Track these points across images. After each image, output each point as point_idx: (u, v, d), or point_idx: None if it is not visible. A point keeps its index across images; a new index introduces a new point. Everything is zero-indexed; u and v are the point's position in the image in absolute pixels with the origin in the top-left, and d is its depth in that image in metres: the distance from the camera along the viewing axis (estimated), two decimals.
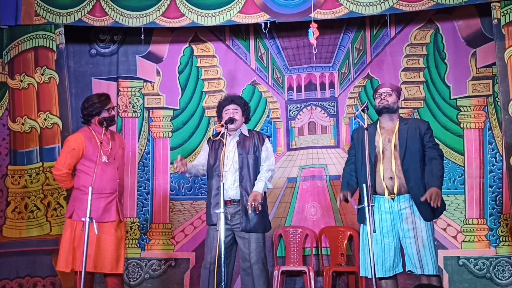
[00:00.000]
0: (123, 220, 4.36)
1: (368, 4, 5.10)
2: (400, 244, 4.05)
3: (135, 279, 5.60)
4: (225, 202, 4.12)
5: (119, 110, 5.71)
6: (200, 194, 5.66)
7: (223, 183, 4.04)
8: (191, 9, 5.34)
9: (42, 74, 5.48)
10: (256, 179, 4.36)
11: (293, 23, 5.34)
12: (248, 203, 4.23)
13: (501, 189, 5.24)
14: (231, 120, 4.34)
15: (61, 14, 5.44)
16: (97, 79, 5.81)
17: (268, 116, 5.77)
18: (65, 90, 5.45)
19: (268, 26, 5.29)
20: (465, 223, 5.31)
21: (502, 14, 4.98)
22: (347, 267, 5.30)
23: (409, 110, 5.50)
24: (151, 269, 5.62)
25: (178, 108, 5.81)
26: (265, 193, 4.39)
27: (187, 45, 5.86)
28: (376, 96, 4.21)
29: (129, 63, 5.82)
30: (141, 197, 5.71)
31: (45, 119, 5.44)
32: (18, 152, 5.47)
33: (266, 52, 5.81)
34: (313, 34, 4.66)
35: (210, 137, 4.62)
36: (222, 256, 3.91)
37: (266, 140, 4.52)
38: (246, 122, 4.56)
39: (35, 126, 5.46)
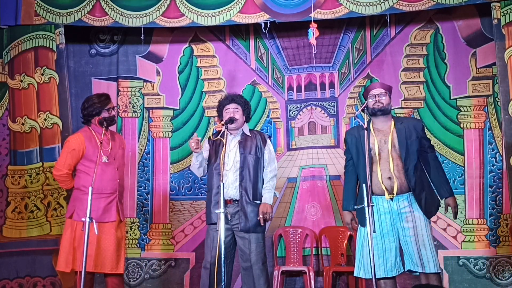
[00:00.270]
0: (123, 220, 4.36)
1: (368, 4, 5.10)
2: (399, 244, 4.05)
3: (135, 279, 5.60)
4: (225, 202, 4.12)
5: (119, 110, 5.71)
6: (200, 194, 5.67)
7: (223, 183, 4.04)
8: (191, 9, 5.34)
9: (42, 74, 5.48)
10: (256, 180, 4.36)
11: (293, 23, 5.34)
12: (260, 216, 4.28)
13: (501, 189, 5.24)
14: (231, 120, 4.34)
15: (61, 14, 5.44)
16: (97, 79, 5.82)
17: (268, 116, 5.77)
18: (65, 90, 5.45)
19: (268, 26, 5.28)
20: (465, 223, 5.31)
21: (502, 14, 4.98)
22: (347, 267, 5.29)
23: (409, 110, 5.50)
24: (151, 269, 5.62)
25: (178, 108, 5.81)
26: None
27: (187, 45, 5.86)
28: (369, 97, 4.13)
29: (129, 63, 5.82)
30: (141, 197, 5.71)
31: (45, 119, 5.44)
32: (18, 152, 5.47)
33: (266, 52, 5.81)
34: (313, 34, 4.66)
35: (210, 136, 4.61)
36: (222, 256, 3.90)
37: (268, 141, 4.52)
38: (247, 121, 4.55)
39: (35, 126, 5.46)
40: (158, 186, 5.72)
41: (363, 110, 4.02)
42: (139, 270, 5.62)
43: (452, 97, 5.46)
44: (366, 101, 4.14)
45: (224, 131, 4.22)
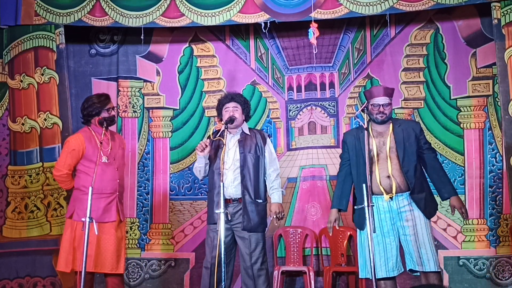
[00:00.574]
0: (123, 220, 4.36)
1: (368, 4, 5.10)
2: (400, 243, 4.06)
3: (135, 279, 5.60)
4: (226, 201, 4.13)
5: (119, 110, 5.71)
6: (200, 194, 5.67)
7: (223, 183, 4.04)
8: (191, 9, 5.34)
9: (42, 74, 5.48)
10: (257, 178, 4.35)
11: (293, 23, 5.34)
12: (273, 216, 4.35)
13: (501, 189, 5.24)
14: (231, 120, 4.34)
15: (61, 14, 5.44)
16: (97, 79, 5.81)
17: (268, 116, 5.77)
18: (65, 90, 5.45)
19: (268, 26, 5.28)
20: (465, 223, 5.31)
21: (502, 14, 4.98)
22: (347, 267, 5.30)
23: (409, 110, 5.50)
24: (151, 269, 5.62)
25: (178, 108, 5.81)
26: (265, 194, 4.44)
27: (187, 45, 5.86)
28: (373, 104, 4.10)
29: (129, 63, 5.82)
30: (141, 197, 5.71)
31: (45, 119, 5.44)
32: (18, 152, 5.46)
33: (266, 52, 5.81)
34: (313, 33, 4.65)
35: (209, 136, 4.61)
36: (222, 256, 3.91)
37: (268, 140, 4.52)
38: (246, 120, 4.55)
39: (35, 126, 5.46)
40: (158, 186, 5.72)
41: (363, 110, 4.02)
42: (139, 270, 5.62)
43: (452, 97, 5.46)
44: (366, 102, 4.14)
45: (223, 131, 4.22)
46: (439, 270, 4.00)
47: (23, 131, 5.46)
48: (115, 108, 4.66)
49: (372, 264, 3.64)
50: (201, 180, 5.45)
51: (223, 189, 4.04)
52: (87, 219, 3.80)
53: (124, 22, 5.40)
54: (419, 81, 5.54)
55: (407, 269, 4.06)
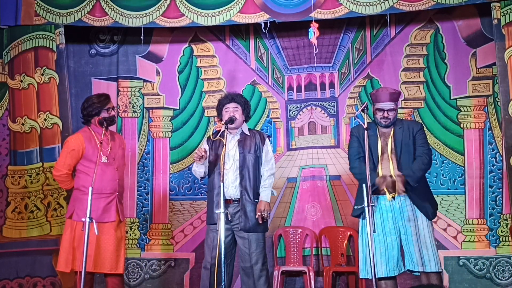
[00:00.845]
0: (123, 220, 4.36)
1: (368, 4, 5.10)
2: (400, 243, 4.06)
3: (135, 279, 5.60)
4: (226, 201, 4.12)
5: (119, 110, 5.71)
6: (199, 194, 5.66)
7: (223, 183, 4.04)
8: (191, 9, 5.34)
9: (42, 74, 5.47)
10: (256, 179, 4.36)
11: (293, 23, 5.34)
12: (258, 213, 4.27)
13: (501, 189, 5.24)
14: (232, 120, 4.34)
15: (61, 14, 5.43)
16: (97, 79, 5.81)
17: (268, 116, 5.77)
18: (65, 90, 5.45)
19: (268, 26, 5.28)
20: (465, 223, 5.31)
21: (502, 14, 4.98)
22: (347, 267, 5.30)
23: (409, 110, 5.50)
24: (151, 269, 5.62)
25: (178, 108, 5.81)
26: None
27: (187, 45, 5.85)
28: (377, 109, 4.14)
29: (129, 63, 5.82)
30: (141, 197, 5.71)
31: (45, 119, 5.44)
32: (18, 152, 5.46)
33: (266, 52, 5.81)
34: (314, 33, 4.65)
35: (209, 136, 4.61)
36: (222, 256, 3.91)
37: (267, 140, 4.52)
38: (246, 120, 4.55)
39: (35, 126, 5.45)
40: (158, 186, 5.72)
41: (363, 110, 4.02)
42: (139, 270, 5.62)
43: (452, 97, 5.45)
44: (372, 104, 4.14)
45: (223, 131, 4.22)
46: (440, 270, 4.00)
47: (23, 131, 5.46)
48: (115, 108, 4.67)
49: (372, 265, 3.64)
50: (201, 180, 5.46)
51: (223, 189, 4.04)
52: (87, 219, 3.80)
53: (124, 22, 5.40)
54: (419, 81, 5.54)
55: (406, 269, 4.07)
